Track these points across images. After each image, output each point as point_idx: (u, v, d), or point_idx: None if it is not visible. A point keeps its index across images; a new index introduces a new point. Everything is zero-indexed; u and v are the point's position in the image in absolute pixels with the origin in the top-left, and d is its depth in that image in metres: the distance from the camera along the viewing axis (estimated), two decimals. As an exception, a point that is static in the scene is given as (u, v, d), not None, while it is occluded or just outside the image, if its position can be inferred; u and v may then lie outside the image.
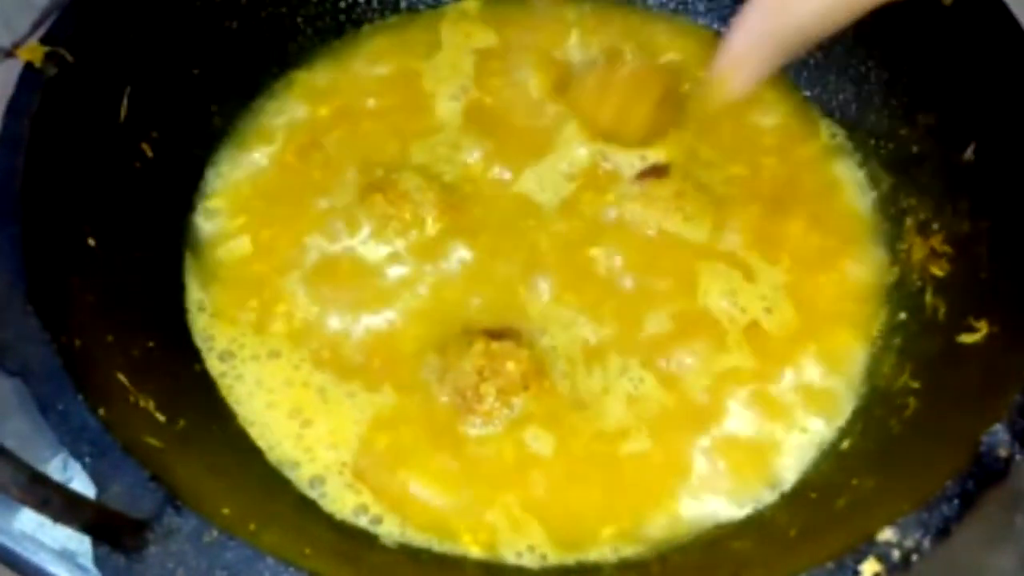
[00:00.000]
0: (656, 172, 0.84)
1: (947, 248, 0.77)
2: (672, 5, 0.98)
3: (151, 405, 0.66)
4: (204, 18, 0.87)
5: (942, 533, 0.56)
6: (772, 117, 0.91)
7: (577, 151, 0.87)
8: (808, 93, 0.92)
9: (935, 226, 0.79)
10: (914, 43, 0.83)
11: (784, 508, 0.70)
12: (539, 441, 0.73)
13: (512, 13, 0.97)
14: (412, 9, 0.98)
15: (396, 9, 0.98)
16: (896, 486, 0.63)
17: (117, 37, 0.78)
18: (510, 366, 0.73)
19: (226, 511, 0.58)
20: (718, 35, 0.94)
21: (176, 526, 0.54)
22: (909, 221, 0.82)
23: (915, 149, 0.83)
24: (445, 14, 0.97)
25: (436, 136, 0.88)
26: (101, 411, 0.58)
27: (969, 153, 0.76)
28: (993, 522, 0.75)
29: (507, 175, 0.86)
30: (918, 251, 0.80)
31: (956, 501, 0.57)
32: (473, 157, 0.87)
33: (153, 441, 0.62)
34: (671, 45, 0.95)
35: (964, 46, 0.77)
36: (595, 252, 0.81)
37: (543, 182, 0.86)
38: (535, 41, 0.95)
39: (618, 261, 0.81)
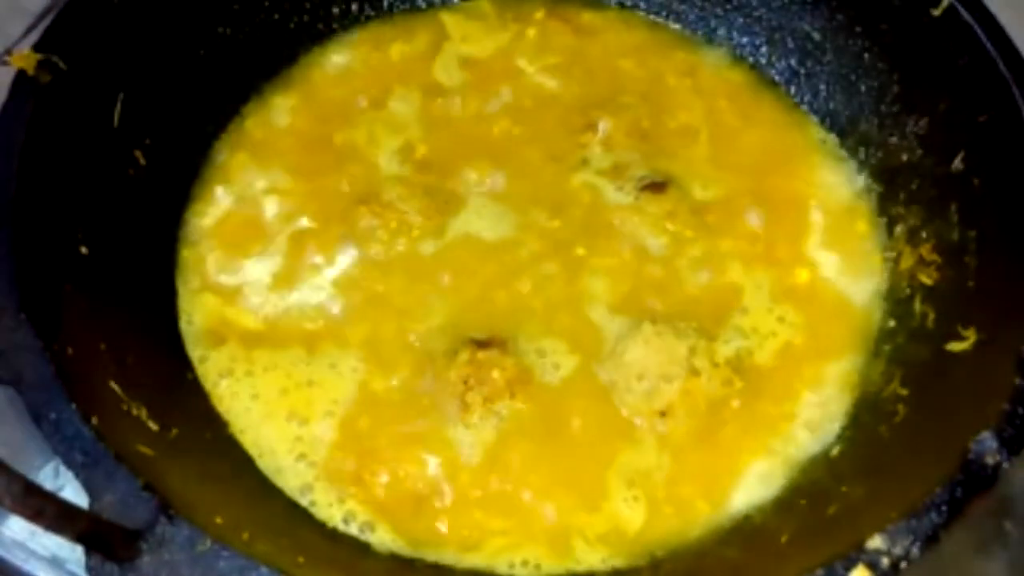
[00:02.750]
0: (654, 187, 0.85)
1: (936, 256, 0.78)
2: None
3: (144, 414, 0.66)
4: (197, 24, 0.87)
5: (931, 540, 0.57)
6: (763, 127, 0.91)
7: (574, 161, 0.88)
8: (798, 101, 0.92)
9: (924, 235, 0.80)
10: (903, 53, 0.84)
11: (774, 515, 0.71)
12: (526, 449, 0.73)
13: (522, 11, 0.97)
14: (411, 9, 0.98)
15: (390, 10, 0.98)
16: (885, 493, 0.63)
17: (110, 44, 0.78)
18: (495, 374, 0.74)
19: (219, 520, 0.59)
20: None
21: (169, 535, 0.54)
22: (899, 229, 0.83)
23: (904, 158, 0.83)
24: (445, 12, 0.97)
25: (425, 143, 0.88)
26: (94, 420, 0.59)
27: (958, 162, 0.77)
28: (983, 529, 0.75)
29: (498, 181, 0.86)
30: (907, 259, 0.80)
31: (945, 508, 0.58)
32: (463, 163, 0.87)
33: (146, 450, 0.62)
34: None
35: (953, 55, 0.78)
36: (585, 259, 0.82)
37: (536, 185, 0.86)
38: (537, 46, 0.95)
39: (605, 269, 0.81)
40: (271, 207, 0.85)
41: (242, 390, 0.75)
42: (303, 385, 0.76)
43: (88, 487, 0.56)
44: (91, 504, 0.56)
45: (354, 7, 0.97)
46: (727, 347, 0.78)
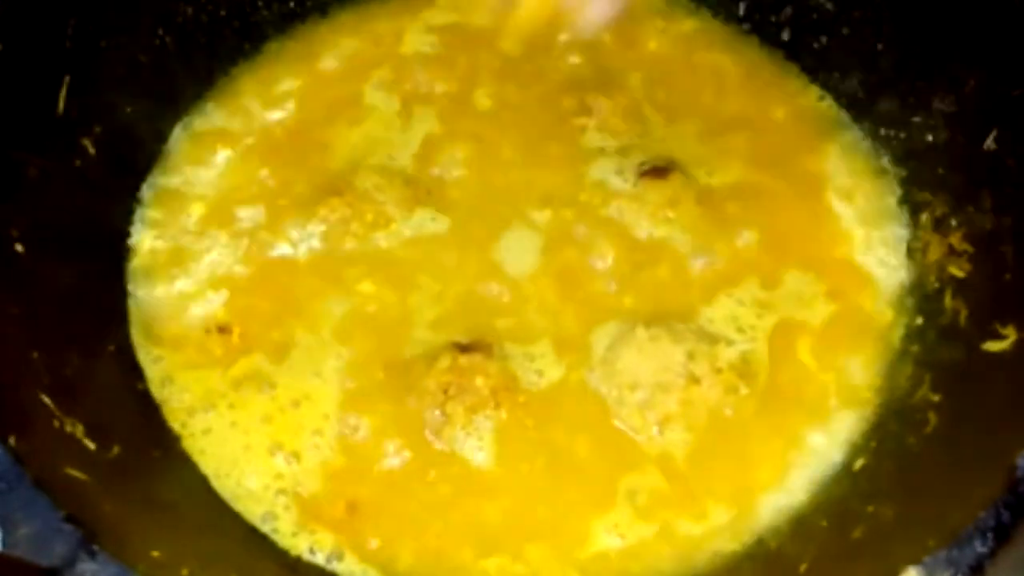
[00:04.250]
0: (655, 173, 0.78)
1: (967, 246, 0.71)
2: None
3: (80, 431, 0.59)
4: (158, 3, 0.80)
5: (974, 573, 0.49)
6: (774, 107, 0.84)
7: (568, 146, 0.81)
8: (812, 78, 0.85)
9: (953, 222, 0.73)
10: (927, 22, 0.76)
11: (792, 539, 0.64)
12: (512, 468, 0.66)
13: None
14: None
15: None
16: (919, 515, 0.56)
17: (55, 21, 0.70)
18: (479, 382, 0.67)
19: (156, 553, 0.52)
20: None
21: (90, 574, 0.47)
22: (924, 217, 0.76)
23: (930, 138, 0.76)
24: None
25: (399, 130, 0.81)
26: (11, 440, 0.51)
27: (990, 142, 0.70)
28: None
29: (484, 168, 0.79)
30: (935, 250, 0.74)
31: (990, 535, 0.50)
32: (446, 148, 0.80)
33: (77, 473, 0.55)
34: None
35: (982, 24, 0.71)
36: (577, 253, 0.75)
37: (526, 172, 0.79)
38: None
39: (599, 263, 0.74)
40: (235, 201, 0.78)
41: (218, 425, 0.68)
42: (272, 396, 0.69)
43: (1, 518, 0.49)
44: (4, 538, 0.49)
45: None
46: (730, 350, 0.70)
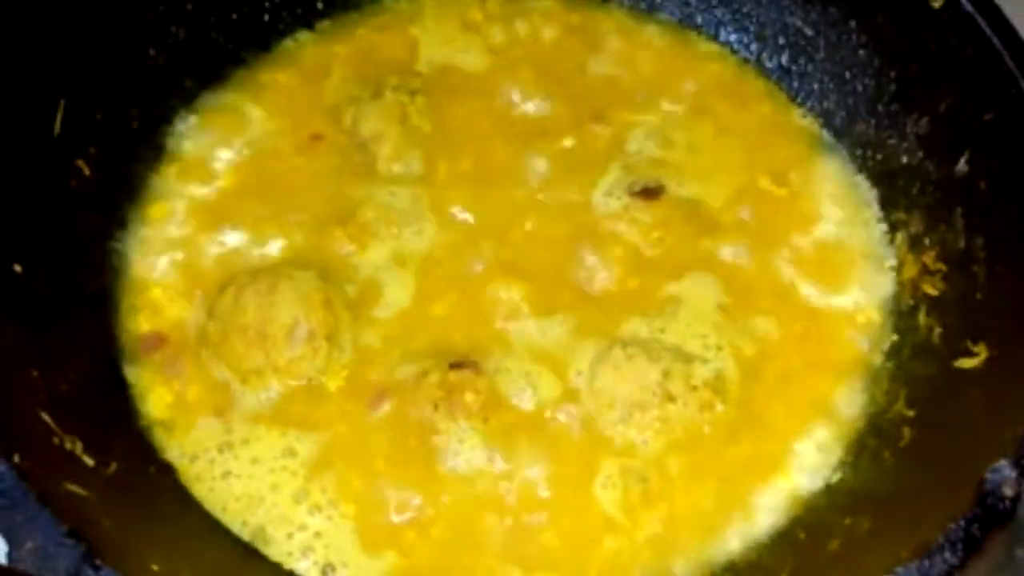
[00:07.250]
0: (647, 193, 0.79)
1: (940, 265, 0.73)
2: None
3: (78, 447, 0.60)
4: (149, 25, 0.81)
5: (944, 583, 0.52)
6: (756, 130, 0.86)
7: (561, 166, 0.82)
8: (791, 100, 0.87)
9: (927, 242, 0.75)
10: (901, 47, 0.79)
11: (770, 551, 0.65)
12: (501, 479, 0.67)
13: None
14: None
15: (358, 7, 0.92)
16: (893, 527, 0.58)
17: (51, 44, 0.72)
18: (469, 397, 0.68)
19: (155, 567, 0.53)
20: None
21: (93, 587, 0.49)
22: (899, 237, 0.78)
23: (904, 160, 0.78)
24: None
25: (399, 157, 0.81)
26: (16, 457, 0.53)
27: (962, 164, 0.72)
28: (992, 556, 0.70)
29: (477, 193, 0.80)
30: (909, 268, 0.76)
31: (960, 546, 0.52)
32: (438, 165, 0.82)
33: (77, 489, 0.56)
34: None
35: (955, 50, 0.73)
36: (565, 273, 0.76)
37: (519, 193, 0.81)
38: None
39: (588, 286, 0.76)
40: (232, 225, 0.78)
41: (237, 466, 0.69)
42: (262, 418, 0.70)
43: (6, 533, 0.51)
44: (10, 552, 0.50)
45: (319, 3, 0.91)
46: (705, 368, 0.71)
